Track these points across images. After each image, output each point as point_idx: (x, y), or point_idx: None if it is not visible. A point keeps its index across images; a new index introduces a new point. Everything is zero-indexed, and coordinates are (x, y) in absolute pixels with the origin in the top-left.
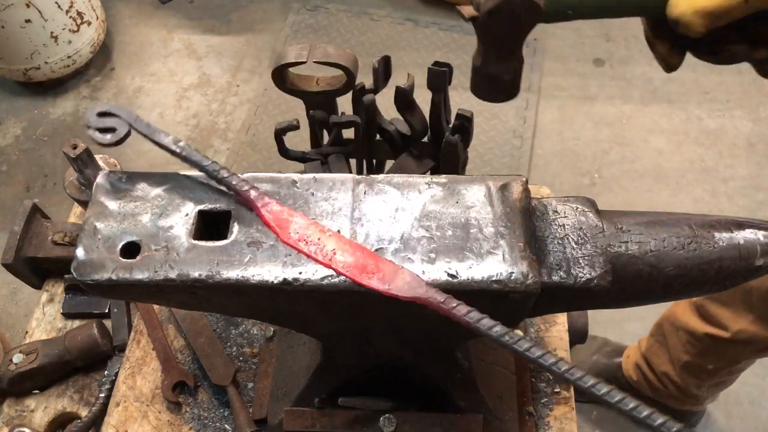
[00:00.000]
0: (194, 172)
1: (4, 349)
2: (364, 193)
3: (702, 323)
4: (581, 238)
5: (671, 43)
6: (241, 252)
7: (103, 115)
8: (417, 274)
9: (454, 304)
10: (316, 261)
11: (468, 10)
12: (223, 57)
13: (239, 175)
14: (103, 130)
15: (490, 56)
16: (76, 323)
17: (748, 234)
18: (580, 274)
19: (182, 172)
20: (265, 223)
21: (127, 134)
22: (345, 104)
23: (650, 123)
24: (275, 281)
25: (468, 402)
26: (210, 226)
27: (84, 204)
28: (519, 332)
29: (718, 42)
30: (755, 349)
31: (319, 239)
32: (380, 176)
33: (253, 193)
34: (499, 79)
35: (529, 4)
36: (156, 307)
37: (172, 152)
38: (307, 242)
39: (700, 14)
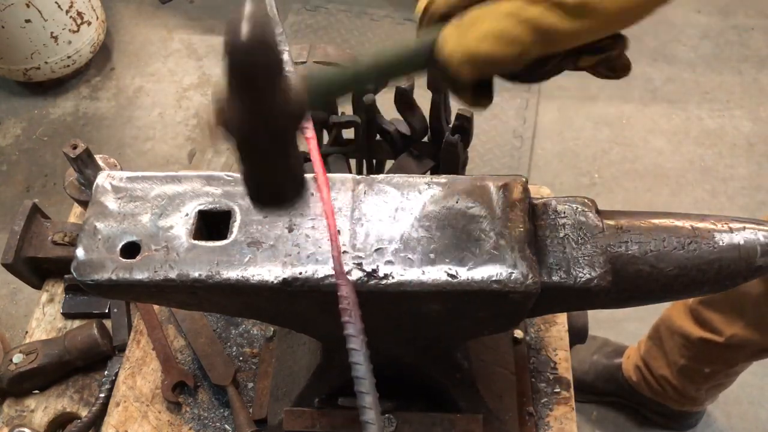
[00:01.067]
0: (194, 172)
1: (4, 349)
2: (364, 193)
3: (696, 328)
4: (581, 238)
5: (474, 88)
6: (241, 252)
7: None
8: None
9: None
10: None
11: (210, 129)
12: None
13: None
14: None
15: (254, 168)
16: (76, 323)
17: (748, 234)
18: (580, 274)
19: (182, 172)
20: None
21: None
22: (345, 104)
23: (650, 123)
24: (275, 281)
25: (468, 402)
26: (210, 226)
27: (84, 204)
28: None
29: (535, 68)
30: (750, 353)
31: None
32: (380, 176)
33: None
34: (274, 183)
35: (293, 113)
36: (156, 307)
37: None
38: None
39: (468, 60)
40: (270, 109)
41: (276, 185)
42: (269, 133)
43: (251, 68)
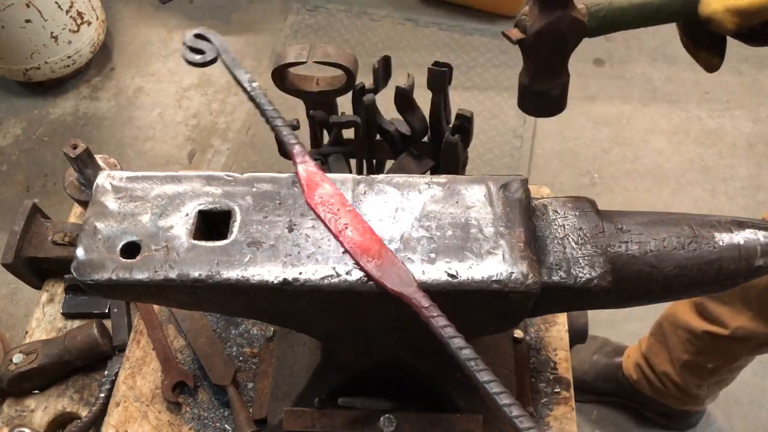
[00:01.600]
0: (194, 172)
1: (4, 349)
2: (364, 193)
3: (701, 321)
4: (581, 238)
5: (708, 44)
6: (241, 252)
7: (198, 37)
8: (413, 275)
9: (435, 314)
10: (327, 227)
11: (514, 33)
12: None
13: (294, 134)
14: (194, 50)
15: (538, 75)
16: (76, 323)
17: (748, 234)
18: (580, 274)
19: (182, 173)
20: (297, 178)
21: (213, 60)
22: (345, 104)
23: (650, 123)
24: (275, 281)
25: (468, 402)
26: (210, 226)
27: (84, 204)
28: (483, 365)
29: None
30: (754, 346)
31: (338, 210)
32: (380, 176)
33: (297, 148)
34: (547, 95)
35: (575, 24)
36: (156, 307)
37: (244, 89)
38: (326, 208)
39: (731, 12)
40: (559, 21)
41: (546, 93)
42: (555, 39)
43: None
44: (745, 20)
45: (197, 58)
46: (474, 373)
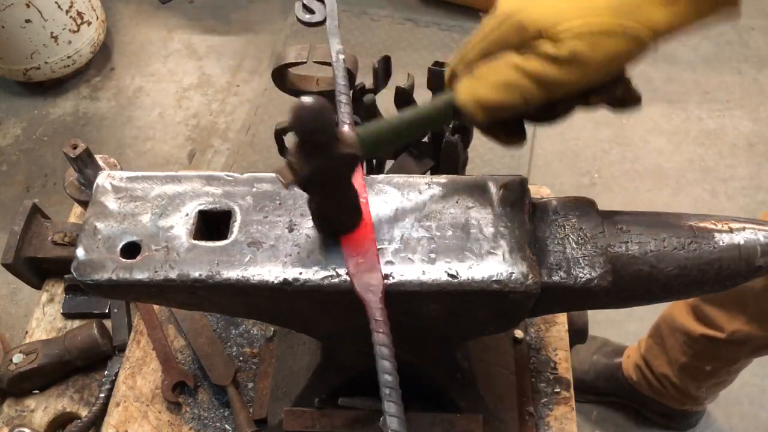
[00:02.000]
0: (194, 172)
1: (4, 349)
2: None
3: (698, 325)
4: (581, 238)
5: (505, 129)
6: (241, 252)
7: None
8: (382, 287)
9: (380, 330)
10: None
11: (286, 176)
12: (223, 57)
13: None
14: (307, 9)
15: (322, 204)
16: (76, 323)
17: (748, 234)
18: (580, 275)
19: (182, 173)
20: None
21: (321, 22)
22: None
23: (650, 123)
24: (275, 281)
25: (468, 402)
26: (210, 226)
27: (84, 204)
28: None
29: (548, 109)
30: (751, 349)
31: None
32: (380, 176)
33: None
34: (337, 216)
35: (347, 158)
36: (156, 307)
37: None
38: None
39: (479, 106)
40: (330, 159)
41: (338, 216)
42: (331, 177)
43: (314, 131)
44: (493, 115)
45: (306, 17)
46: (383, 400)
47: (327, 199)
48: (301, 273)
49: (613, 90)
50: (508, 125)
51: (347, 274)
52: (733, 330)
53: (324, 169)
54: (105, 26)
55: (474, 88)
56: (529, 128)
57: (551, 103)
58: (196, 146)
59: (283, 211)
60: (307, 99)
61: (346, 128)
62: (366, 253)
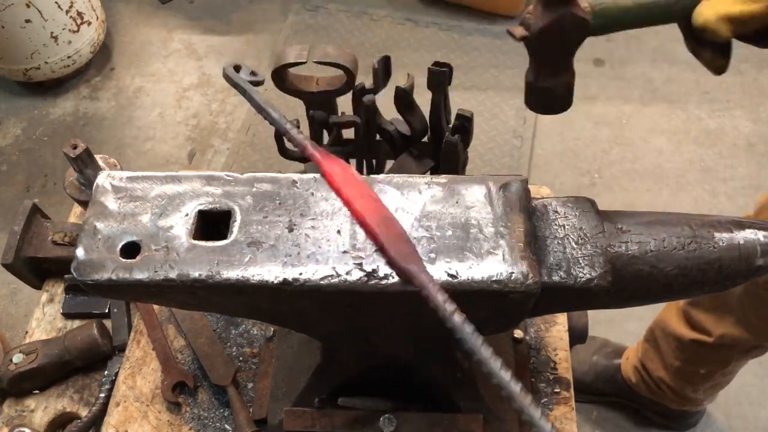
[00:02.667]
0: (194, 172)
1: (4, 349)
2: None
3: (688, 330)
4: (581, 238)
5: (712, 46)
6: (241, 252)
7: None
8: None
9: (440, 296)
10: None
11: (518, 31)
12: (223, 57)
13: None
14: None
15: (543, 72)
16: (76, 323)
17: (748, 234)
18: (580, 275)
19: (182, 173)
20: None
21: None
22: (345, 104)
23: (650, 123)
24: (275, 281)
25: (468, 402)
26: (210, 226)
27: (84, 204)
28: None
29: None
30: (741, 351)
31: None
32: (380, 176)
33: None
34: (553, 92)
35: (578, 21)
36: (156, 307)
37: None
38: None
39: (723, 20)
40: (562, 18)
41: (551, 90)
42: (558, 37)
43: None
44: (739, 28)
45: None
46: (479, 352)
47: (550, 63)
48: (301, 273)
49: None
50: (717, 48)
51: (387, 262)
52: (720, 334)
53: (557, 26)
54: (105, 26)
55: (716, 3)
56: (529, 128)
57: None
58: (196, 146)
59: (283, 211)
60: None
61: None
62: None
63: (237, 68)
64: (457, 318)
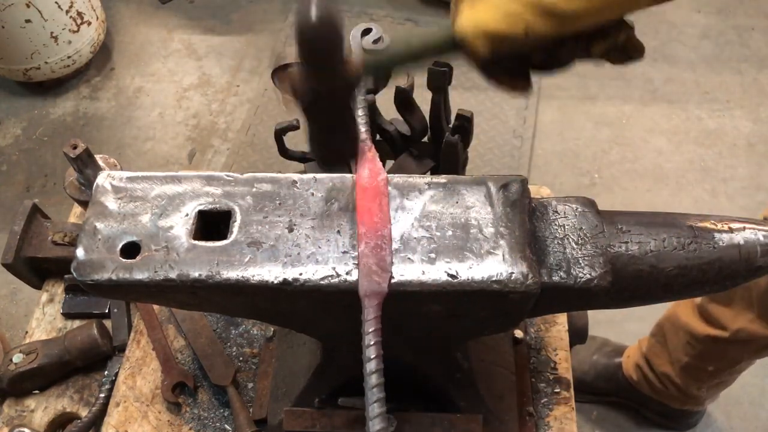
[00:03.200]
0: (194, 172)
1: (4, 349)
2: None
3: (703, 325)
4: (581, 238)
5: (508, 70)
6: (241, 252)
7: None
8: (384, 292)
9: (371, 329)
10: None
11: (288, 102)
12: (223, 57)
13: None
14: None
15: (325, 131)
16: (76, 323)
17: (748, 234)
18: (580, 275)
19: (182, 173)
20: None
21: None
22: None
23: (650, 123)
24: (275, 281)
25: (468, 402)
26: (210, 226)
27: (84, 204)
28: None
29: (550, 53)
30: (755, 349)
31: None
32: None
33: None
34: (341, 149)
35: (348, 83)
36: (156, 307)
37: None
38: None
39: (480, 34)
40: (332, 76)
41: (336, 145)
42: (331, 97)
43: (317, 43)
44: (495, 45)
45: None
46: (367, 395)
47: (326, 122)
48: (301, 273)
49: (616, 36)
50: (512, 69)
51: (356, 264)
52: (737, 328)
53: (326, 91)
54: (105, 26)
55: (475, 16)
56: (529, 128)
57: (553, 49)
58: (196, 146)
59: (283, 211)
60: (312, 9)
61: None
62: (382, 262)
63: (366, 31)
64: (373, 365)
